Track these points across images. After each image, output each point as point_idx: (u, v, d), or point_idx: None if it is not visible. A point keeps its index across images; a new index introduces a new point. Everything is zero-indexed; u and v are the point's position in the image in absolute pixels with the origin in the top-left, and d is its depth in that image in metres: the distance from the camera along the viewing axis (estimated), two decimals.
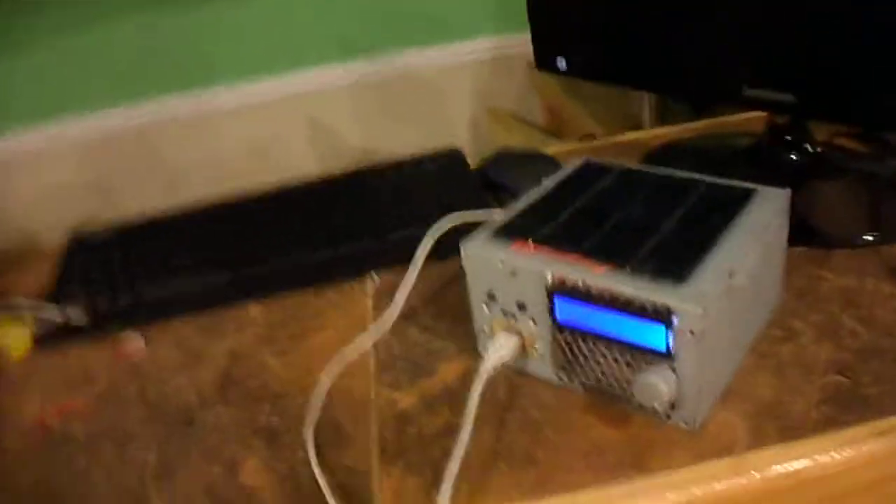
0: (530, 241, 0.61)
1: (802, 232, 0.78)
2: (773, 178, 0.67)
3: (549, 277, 0.58)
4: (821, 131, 0.92)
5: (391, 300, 0.76)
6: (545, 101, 1.62)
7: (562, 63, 0.94)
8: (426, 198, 0.87)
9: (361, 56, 1.39)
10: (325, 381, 0.69)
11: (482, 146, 1.00)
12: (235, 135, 1.35)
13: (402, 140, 1.02)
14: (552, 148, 1.06)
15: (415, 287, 0.77)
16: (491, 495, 0.57)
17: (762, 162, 0.88)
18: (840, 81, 0.74)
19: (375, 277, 0.82)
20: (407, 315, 0.76)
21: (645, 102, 1.53)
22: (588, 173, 0.71)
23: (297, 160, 1.32)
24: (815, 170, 0.86)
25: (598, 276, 0.56)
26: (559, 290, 0.58)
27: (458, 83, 1.46)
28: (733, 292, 0.57)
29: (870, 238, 0.78)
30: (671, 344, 0.55)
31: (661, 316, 0.54)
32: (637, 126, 1.36)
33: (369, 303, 0.79)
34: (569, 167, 0.73)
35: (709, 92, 0.85)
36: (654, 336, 0.55)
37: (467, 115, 1.52)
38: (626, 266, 0.57)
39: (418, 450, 0.62)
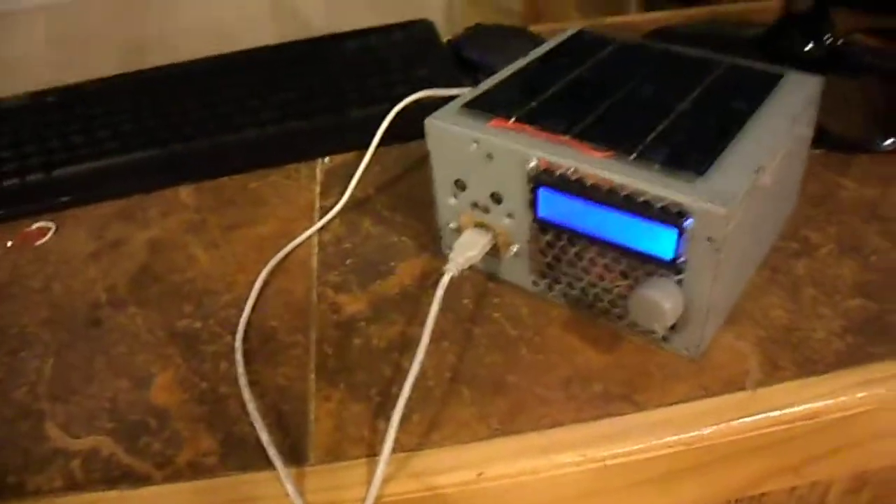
0: (511, 117, 0.47)
1: (820, 133, 0.65)
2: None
3: (534, 162, 0.45)
4: (842, 26, 0.78)
5: (344, 187, 0.62)
6: None
7: None
8: (391, 72, 0.73)
9: None
10: (259, 279, 0.56)
11: (457, 30, 0.86)
12: (193, 13, 1.20)
13: (369, 20, 0.87)
14: (533, 28, 0.91)
15: (371, 172, 0.65)
16: (450, 429, 0.46)
17: (772, 53, 0.75)
18: None
19: (326, 160, 0.69)
20: (360, 204, 0.63)
21: None
22: (581, 45, 0.57)
23: (259, 42, 1.15)
24: (833, 65, 0.73)
25: (595, 164, 0.44)
26: (544, 179, 0.45)
27: None
28: (757, 192, 0.44)
29: (892, 143, 0.65)
30: (681, 252, 0.42)
31: (672, 217, 0.41)
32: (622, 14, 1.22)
33: (317, 189, 0.66)
34: (558, 37, 0.59)
35: None
36: (660, 242, 0.43)
37: None
38: (630, 153, 0.44)
39: (365, 367, 0.50)
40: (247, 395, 0.49)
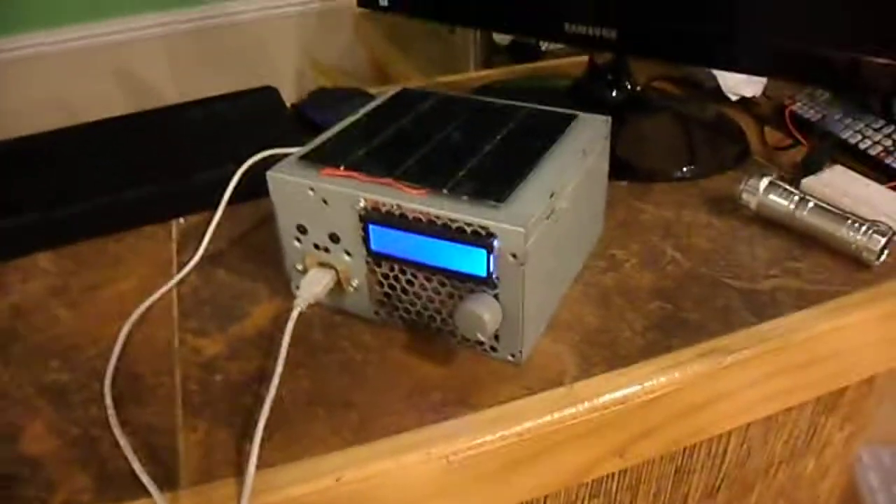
0: (341, 166, 0.54)
1: (623, 167, 0.75)
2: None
3: (362, 203, 0.52)
4: (639, 76, 0.89)
5: (198, 244, 0.67)
6: (371, 53, 1.56)
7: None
8: (238, 136, 0.79)
9: (176, 4, 1.28)
10: (123, 331, 0.61)
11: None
12: (38, 84, 1.22)
13: (220, 91, 0.92)
14: (377, 90, 0.99)
15: (224, 228, 0.70)
16: (307, 443, 0.51)
17: (582, 100, 0.84)
18: (660, 16, 0.71)
19: (181, 221, 0.74)
20: (214, 257, 0.68)
21: (470, 54, 1.49)
22: (405, 100, 0.65)
23: (107, 113, 1.18)
24: (634, 108, 0.83)
25: (414, 200, 0.51)
26: (373, 217, 0.52)
27: (282, 34, 1.38)
28: (555, 215, 0.52)
29: (685, 172, 0.75)
30: (493, 269, 0.49)
31: (481, 239, 0.49)
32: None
33: (174, 247, 0.71)
34: (384, 95, 0.66)
35: (530, 27, 0.81)
36: (474, 261, 0.49)
37: (292, 68, 1.45)
38: (443, 188, 0.51)
39: (227, 399, 0.55)
40: (118, 432, 0.53)
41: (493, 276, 0.50)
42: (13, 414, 0.55)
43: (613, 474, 0.66)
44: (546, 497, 0.62)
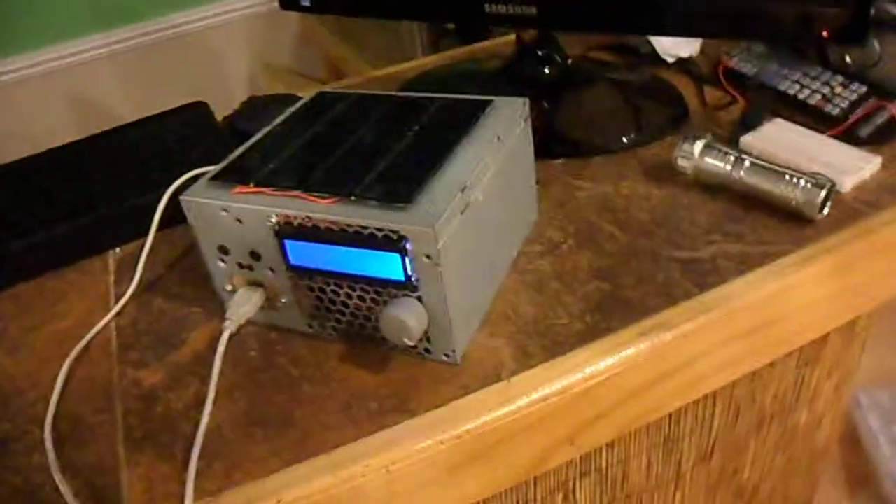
0: (251, 182, 0.53)
1: (560, 144, 0.73)
2: (529, 95, 0.61)
3: (274, 219, 0.51)
4: (574, 48, 0.87)
5: (134, 273, 0.66)
6: (322, 50, 1.54)
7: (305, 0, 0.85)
8: (170, 157, 0.77)
9: (120, 23, 1.26)
10: (63, 371, 0.60)
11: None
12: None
13: (175, 105, 0.91)
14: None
15: (159, 253, 0.69)
16: (248, 467, 0.50)
17: (516, 80, 0.83)
18: None
19: (118, 251, 0.73)
20: (151, 285, 0.67)
21: (417, 42, 1.48)
22: (321, 105, 0.63)
23: (60, 139, 1.16)
24: (568, 82, 0.82)
25: (322, 210, 0.49)
26: (287, 232, 0.51)
27: (230, 41, 1.37)
28: (471, 208, 0.51)
29: (624, 142, 0.74)
30: (410, 272, 0.48)
31: (393, 243, 0.48)
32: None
33: (111, 279, 0.70)
34: (300, 102, 0.65)
35: (450, 12, 0.79)
36: (390, 266, 0.48)
37: (244, 73, 1.43)
38: (351, 195, 0.50)
39: (167, 430, 0.54)
40: (58, 478, 0.52)
41: (412, 278, 0.49)
42: None
43: (600, 450, 0.65)
44: (518, 488, 0.61)
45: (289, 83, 1.44)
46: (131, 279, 0.67)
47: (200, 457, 0.50)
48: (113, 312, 0.64)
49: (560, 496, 0.64)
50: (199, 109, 0.85)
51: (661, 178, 0.70)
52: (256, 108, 0.85)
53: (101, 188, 0.76)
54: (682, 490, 0.77)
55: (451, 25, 1.46)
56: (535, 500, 0.63)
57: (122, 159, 0.80)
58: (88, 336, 0.63)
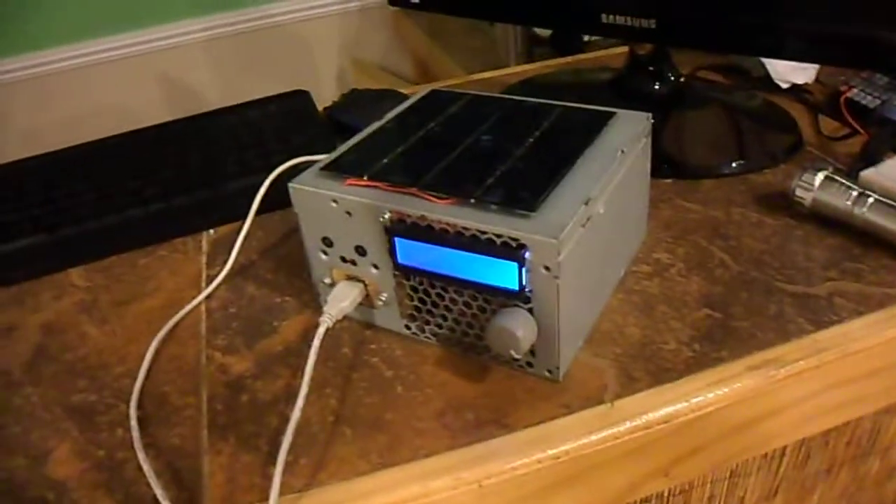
0: (364, 175, 0.51)
1: (668, 163, 0.70)
2: (637, 110, 0.59)
3: (387, 215, 0.49)
4: (684, 66, 0.84)
5: (229, 256, 0.65)
6: (412, 50, 1.53)
7: None
8: (269, 143, 0.76)
9: (217, 9, 1.27)
10: (151, 349, 0.58)
11: None
12: (85, 94, 1.22)
13: (264, 92, 0.90)
14: (411, 90, 0.95)
15: (254, 238, 0.68)
16: (334, 467, 0.48)
17: (625, 93, 0.80)
18: (700, 4, 0.66)
19: (212, 232, 0.71)
20: (244, 270, 0.66)
21: (511, 48, 1.45)
22: (434, 103, 0.61)
23: (153, 119, 1.17)
24: (678, 101, 0.79)
25: (439, 210, 0.47)
26: (398, 229, 0.49)
27: (322, 35, 1.36)
28: (592, 221, 0.48)
29: (735, 167, 0.71)
30: (525, 282, 0.46)
31: (512, 251, 0.45)
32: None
33: (203, 260, 0.68)
34: (413, 98, 0.63)
35: (566, 19, 0.77)
36: (505, 274, 0.46)
37: (334, 68, 1.42)
38: (471, 197, 0.47)
39: (252, 420, 0.52)
40: (142, 456, 0.50)
41: (526, 289, 0.46)
42: (41, 435, 0.54)
43: None
44: None
45: (378, 80, 1.43)
46: (224, 262, 0.66)
47: (287, 452, 0.48)
48: (205, 294, 0.63)
49: None
50: (300, 97, 0.84)
51: (774, 207, 0.66)
52: (357, 100, 0.83)
53: (198, 169, 0.75)
54: None
55: (543, 33, 1.44)
56: None
57: (221, 142, 0.79)
58: (178, 316, 0.61)
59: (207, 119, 0.83)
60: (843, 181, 0.62)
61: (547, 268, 0.45)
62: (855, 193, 0.62)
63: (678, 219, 0.66)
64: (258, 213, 0.68)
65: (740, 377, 0.51)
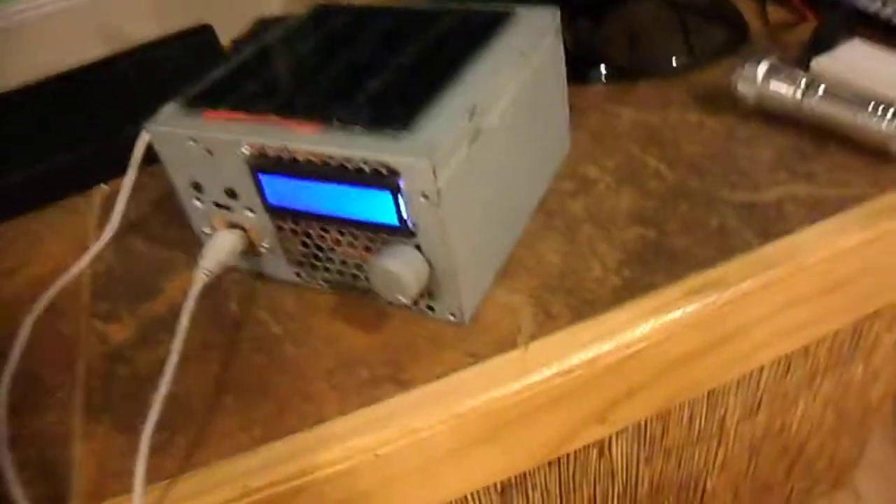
0: (222, 107, 0.42)
1: (601, 66, 0.61)
2: (567, 11, 0.49)
3: (245, 149, 0.40)
4: None
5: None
6: None
7: None
8: (168, 86, 0.66)
9: None
10: (26, 325, 0.50)
11: None
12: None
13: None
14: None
15: (146, 190, 0.59)
16: (214, 443, 0.41)
17: None
18: None
19: (104, 187, 0.63)
20: (134, 226, 0.57)
21: None
22: (318, 20, 0.52)
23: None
24: None
25: (301, 139, 0.39)
26: (262, 165, 0.40)
27: None
28: (484, 137, 0.39)
29: (675, 64, 0.62)
30: (405, 214, 0.37)
31: (384, 179, 0.37)
32: None
33: (94, 219, 0.60)
34: (296, 16, 0.54)
35: None
36: (382, 207, 0.38)
37: None
38: (334, 119, 0.38)
39: (130, 396, 0.45)
40: (2, 451, 0.43)
41: (408, 222, 0.38)
42: None
43: None
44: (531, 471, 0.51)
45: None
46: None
47: (161, 429, 0.41)
48: (88, 256, 0.55)
49: (595, 452, 0.53)
50: (202, 35, 0.75)
51: (716, 106, 0.58)
52: (266, 31, 0.73)
53: (90, 120, 0.66)
54: (726, 446, 0.66)
55: None
56: (566, 456, 0.53)
57: (115, 89, 0.70)
58: (58, 285, 0.53)
59: (103, 66, 0.73)
60: (790, 71, 0.54)
61: (425, 195, 0.37)
62: (804, 83, 0.53)
63: (608, 127, 0.57)
64: (154, 161, 0.59)
65: (676, 304, 0.43)
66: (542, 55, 0.47)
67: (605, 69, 0.63)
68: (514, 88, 0.43)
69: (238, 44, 0.74)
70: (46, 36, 0.81)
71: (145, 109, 0.61)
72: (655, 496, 0.63)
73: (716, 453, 0.67)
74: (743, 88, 0.55)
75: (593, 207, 0.50)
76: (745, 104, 0.56)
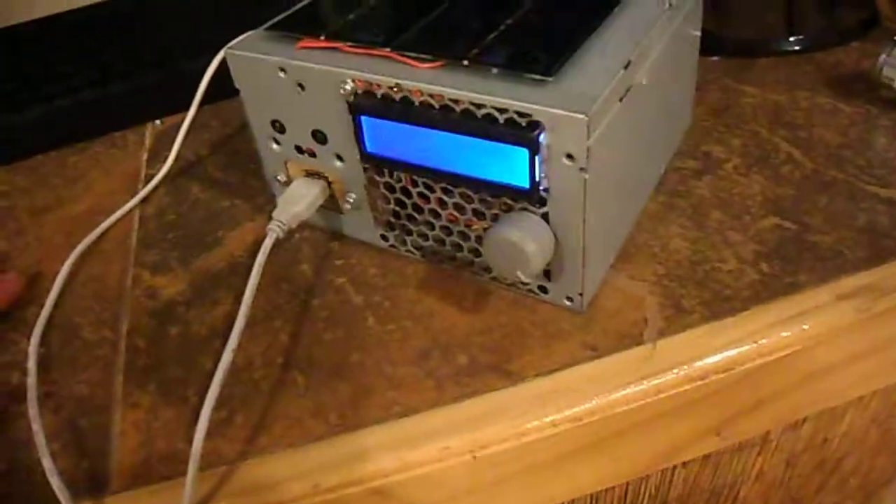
0: (322, 35, 0.35)
1: (712, 39, 0.54)
2: None
3: (349, 85, 0.33)
4: None
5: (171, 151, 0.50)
6: None
7: None
8: (229, 18, 0.59)
9: None
10: (65, 267, 0.43)
11: None
12: None
13: None
14: None
15: (205, 130, 0.53)
16: (280, 429, 0.34)
17: None
18: None
19: (158, 123, 0.56)
20: (189, 168, 0.51)
21: None
22: None
23: None
24: None
25: (420, 76, 0.31)
26: (366, 105, 0.33)
27: None
28: (632, 95, 0.32)
29: (795, 42, 0.54)
30: (539, 177, 0.30)
31: (521, 132, 0.30)
32: None
33: (144, 157, 0.53)
34: None
35: None
36: (512, 166, 0.31)
37: None
38: (463, 59, 0.31)
39: (181, 362, 0.38)
40: (33, 412, 0.36)
41: (541, 187, 0.31)
42: None
43: None
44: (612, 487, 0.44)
45: None
46: (167, 158, 0.50)
47: (219, 406, 0.34)
48: (138, 197, 0.48)
49: None
50: None
51: (850, 92, 0.50)
52: None
53: (145, 49, 0.58)
54: (765, 455, 0.60)
55: None
56: None
57: (173, 17, 0.62)
58: (104, 225, 0.47)
59: None
60: None
61: (570, 156, 0.30)
62: None
63: (730, 103, 0.50)
64: (214, 98, 0.52)
65: (827, 309, 0.35)
66: (689, 10, 0.39)
67: (717, 42, 0.55)
68: (662, 43, 0.36)
69: None
70: None
71: (204, 39, 0.54)
72: (686, 499, 0.57)
73: (754, 462, 0.61)
74: (889, 73, 0.48)
75: (721, 191, 0.43)
76: (888, 91, 0.48)
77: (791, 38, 0.56)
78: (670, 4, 0.37)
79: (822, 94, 0.51)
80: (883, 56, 0.48)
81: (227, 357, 0.34)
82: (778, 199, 0.42)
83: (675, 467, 0.51)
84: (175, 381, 0.37)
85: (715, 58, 0.55)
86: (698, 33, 0.43)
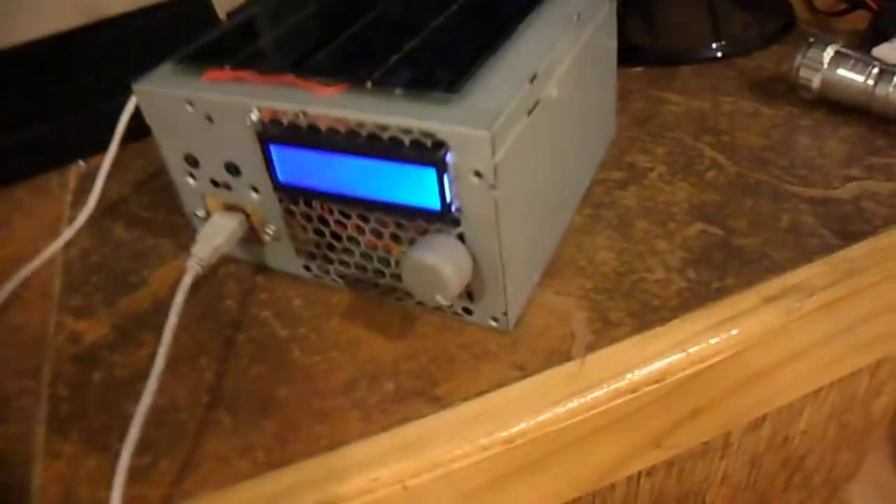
0: (227, 65, 0.34)
1: (634, 49, 0.54)
2: None
3: (254, 115, 0.32)
4: None
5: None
6: None
7: None
8: (156, 58, 0.58)
9: None
10: None
11: None
12: None
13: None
14: None
15: (127, 169, 0.51)
16: (207, 469, 0.33)
17: None
18: None
19: (82, 164, 0.54)
20: (114, 208, 0.49)
21: None
22: None
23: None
24: None
25: (324, 102, 0.30)
26: (273, 134, 0.32)
27: None
28: (542, 108, 0.31)
29: (717, 49, 0.54)
30: (450, 197, 0.29)
31: (427, 152, 0.29)
32: None
33: (69, 199, 0.51)
34: None
35: None
36: (422, 188, 0.30)
37: None
38: (367, 80, 0.30)
39: (104, 408, 0.36)
40: None
41: (453, 207, 0.30)
42: None
43: None
44: None
45: None
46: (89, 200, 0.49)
47: (143, 450, 0.32)
48: (59, 242, 0.46)
49: None
50: (195, 2, 0.66)
51: (771, 95, 0.50)
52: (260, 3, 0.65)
53: (68, 91, 0.57)
54: (728, 458, 0.60)
55: None
56: None
57: (98, 59, 0.61)
58: (23, 273, 0.44)
59: (88, 33, 0.64)
60: (859, 56, 0.46)
61: (479, 174, 0.29)
62: (875, 70, 0.46)
63: (654, 112, 0.49)
64: (137, 136, 0.50)
65: (756, 312, 0.35)
66: (600, 21, 0.39)
67: (639, 52, 0.55)
68: (571, 55, 0.35)
69: (236, 14, 0.66)
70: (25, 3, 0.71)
71: (128, 80, 0.53)
72: None
73: (719, 465, 0.60)
74: (806, 74, 0.48)
75: (647, 200, 0.43)
76: (805, 92, 0.48)
77: (713, 45, 0.56)
78: (579, 16, 0.37)
79: (745, 98, 0.51)
80: (798, 57, 0.48)
81: (145, 401, 0.32)
82: (703, 205, 0.42)
83: (639, 476, 0.50)
84: (98, 428, 0.36)
85: (638, 68, 0.55)
86: (614, 44, 0.43)
